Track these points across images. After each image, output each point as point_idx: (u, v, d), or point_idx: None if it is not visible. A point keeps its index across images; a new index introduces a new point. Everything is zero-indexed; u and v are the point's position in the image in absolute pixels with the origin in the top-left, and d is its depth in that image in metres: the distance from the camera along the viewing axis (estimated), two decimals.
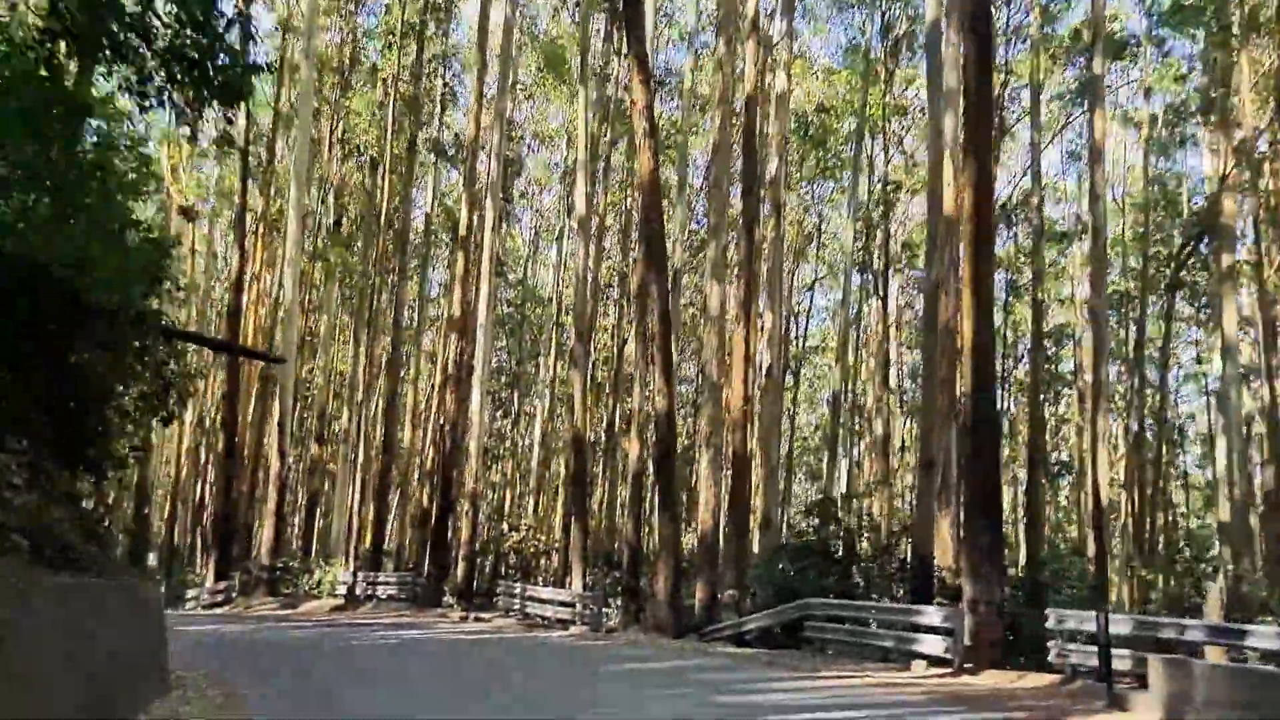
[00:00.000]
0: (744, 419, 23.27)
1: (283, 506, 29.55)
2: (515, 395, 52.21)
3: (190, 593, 32.79)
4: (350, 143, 42.76)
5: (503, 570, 30.60)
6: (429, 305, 49.45)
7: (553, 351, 44.88)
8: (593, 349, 36.86)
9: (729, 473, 25.14)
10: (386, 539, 33.45)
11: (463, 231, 30.06)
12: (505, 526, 30.30)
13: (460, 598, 27.87)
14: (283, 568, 30.60)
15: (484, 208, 30.64)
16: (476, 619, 23.73)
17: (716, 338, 24.42)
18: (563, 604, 22.67)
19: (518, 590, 24.01)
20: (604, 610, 21.02)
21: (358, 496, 39.23)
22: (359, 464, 38.64)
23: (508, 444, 50.87)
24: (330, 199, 44.64)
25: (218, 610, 29.81)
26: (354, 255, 43.30)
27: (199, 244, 37.89)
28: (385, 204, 37.58)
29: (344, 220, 44.48)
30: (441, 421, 31.31)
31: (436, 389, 45.67)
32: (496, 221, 32.38)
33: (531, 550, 27.78)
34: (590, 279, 31.39)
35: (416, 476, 40.12)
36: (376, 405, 40.84)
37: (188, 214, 37.52)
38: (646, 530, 31.35)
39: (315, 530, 41.68)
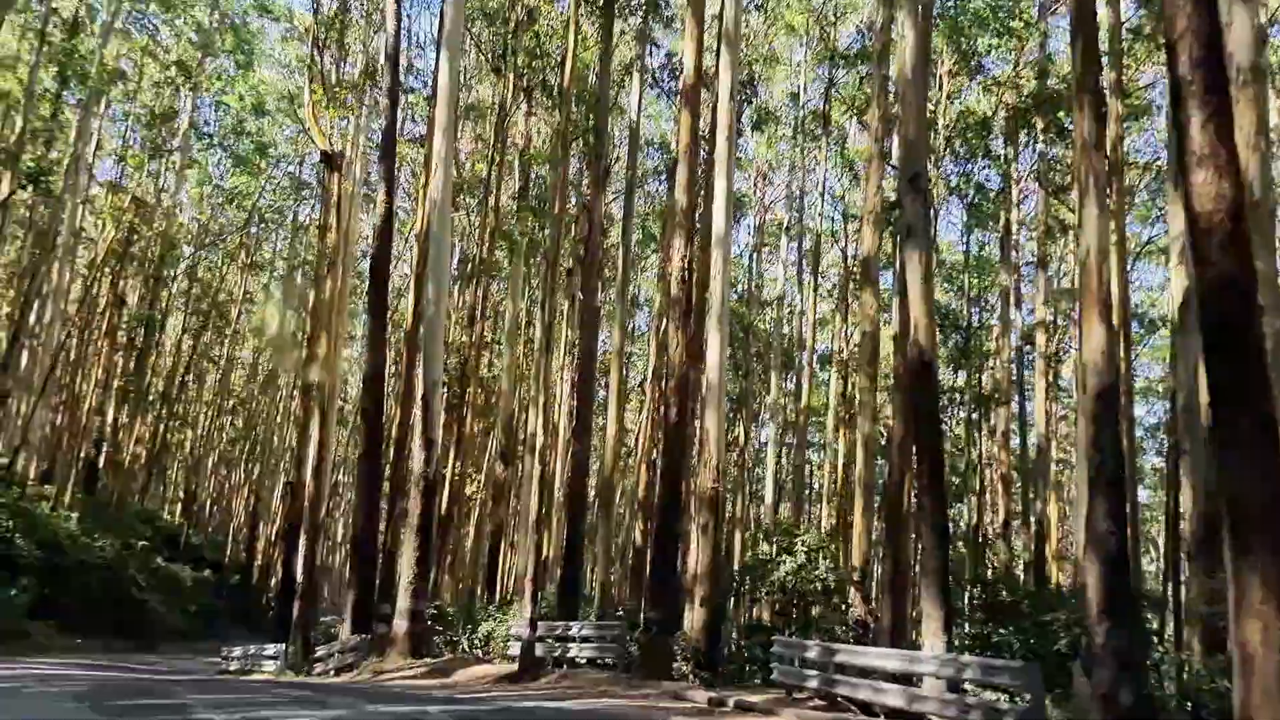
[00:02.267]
0: None
1: (430, 521, 19.83)
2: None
3: (321, 650, 23.64)
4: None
5: (765, 618, 19.90)
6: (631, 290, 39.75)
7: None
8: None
9: None
10: (584, 577, 23.27)
11: (683, 191, 19.86)
12: (767, 548, 19.37)
13: (698, 665, 17.18)
14: (436, 614, 20.97)
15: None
16: (741, 707, 12.90)
17: None
18: (913, 679, 11.58)
19: (814, 653, 12.98)
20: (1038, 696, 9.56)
21: (540, 524, 29.69)
22: (545, 480, 29.16)
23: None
24: (511, 160, 35.89)
25: (343, 678, 20.36)
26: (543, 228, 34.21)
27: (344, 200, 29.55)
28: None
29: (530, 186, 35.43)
30: (661, 412, 21.18)
31: (650, 381, 35.56)
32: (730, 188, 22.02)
33: (817, 586, 17.02)
34: None
35: (623, 492, 30.31)
36: (561, 407, 31.20)
37: (331, 161, 29.37)
38: None
39: (499, 568, 32.16)
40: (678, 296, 17.14)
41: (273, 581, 48.88)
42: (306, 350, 31.67)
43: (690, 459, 20.58)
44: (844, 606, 17.70)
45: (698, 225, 18.59)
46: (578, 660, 17.84)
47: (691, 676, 17.06)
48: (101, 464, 48.35)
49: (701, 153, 21.13)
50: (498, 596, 29.61)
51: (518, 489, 34.54)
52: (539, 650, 17.89)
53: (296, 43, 48.75)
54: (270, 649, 25.91)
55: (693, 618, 17.67)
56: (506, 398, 32.84)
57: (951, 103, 32.72)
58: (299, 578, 27.26)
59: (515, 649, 19.16)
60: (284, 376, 56.04)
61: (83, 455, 48.27)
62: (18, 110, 38.29)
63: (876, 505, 21.52)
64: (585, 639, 17.74)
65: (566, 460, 40.54)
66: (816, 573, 17.59)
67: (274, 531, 56.23)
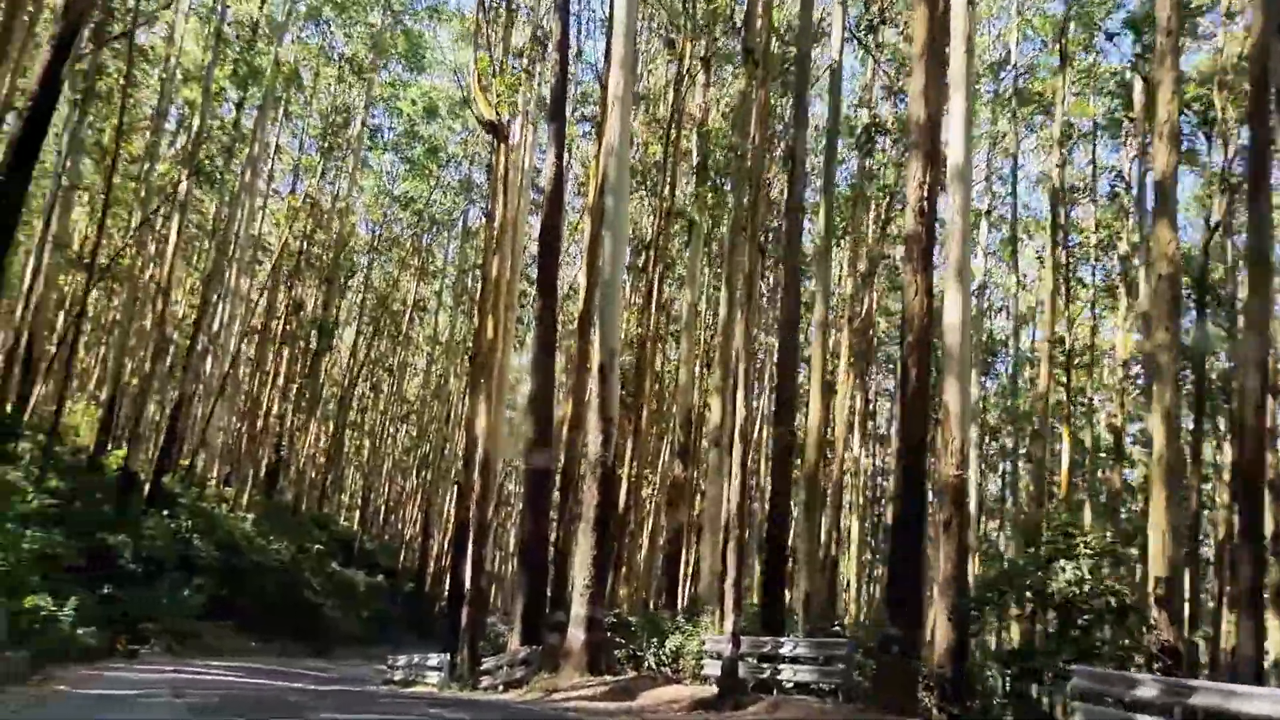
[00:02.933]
0: None
1: (608, 515, 16.89)
2: None
3: (489, 662, 21.06)
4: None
5: (1014, 639, 15.93)
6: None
7: None
8: None
9: None
10: (789, 584, 19.66)
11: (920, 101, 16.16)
12: (1028, 552, 15.21)
13: (943, 696, 13.45)
14: (615, 624, 17.99)
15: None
16: None
17: None
18: None
19: (1149, 690, 9.02)
20: None
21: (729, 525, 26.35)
22: (733, 473, 25.78)
23: None
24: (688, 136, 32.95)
25: (511, 695, 17.63)
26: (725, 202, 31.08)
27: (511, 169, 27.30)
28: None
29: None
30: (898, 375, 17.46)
31: (847, 367, 31.99)
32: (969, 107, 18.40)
33: (1109, 602, 12.95)
34: None
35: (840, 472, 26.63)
36: (752, 392, 27.82)
37: (497, 132, 27.23)
38: None
39: (679, 576, 29.06)
40: (915, 232, 13.59)
41: (445, 589, 47.69)
42: (473, 339, 29.60)
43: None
44: (1143, 629, 13.56)
45: (943, 149, 14.92)
46: (787, 685, 14.43)
47: (936, 711, 13.36)
48: (280, 469, 48.46)
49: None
50: (679, 607, 26.51)
51: (697, 489, 31.38)
52: (741, 669, 14.58)
53: (465, 45, 47.73)
54: (434, 659, 23.67)
55: (934, 635, 13.98)
56: (684, 392, 29.83)
57: None
58: (467, 583, 24.96)
59: (711, 668, 15.92)
60: (453, 381, 55.15)
61: (263, 459, 48.47)
62: (195, 110, 38.41)
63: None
64: (799, 659, 14.31)
65: (758, 451, 37.05)
66: (1106, 584, 13.56)
67: (446, 540, 55.31)
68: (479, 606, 24.76)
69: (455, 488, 33.30)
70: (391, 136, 53.73)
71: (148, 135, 39.66)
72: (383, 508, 60.80)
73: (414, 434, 62.04)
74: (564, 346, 35.34)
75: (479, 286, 32.08)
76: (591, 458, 16.99)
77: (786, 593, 17.40)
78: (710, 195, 30.11)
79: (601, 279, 17.77)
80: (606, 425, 16.89)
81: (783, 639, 15.12)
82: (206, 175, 38.52)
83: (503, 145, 27.41)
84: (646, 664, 17.22)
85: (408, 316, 58.39)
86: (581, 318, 22.65)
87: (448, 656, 22.48)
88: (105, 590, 28.27)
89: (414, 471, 61.82)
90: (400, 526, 61.93)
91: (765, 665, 14.83)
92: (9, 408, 32.60)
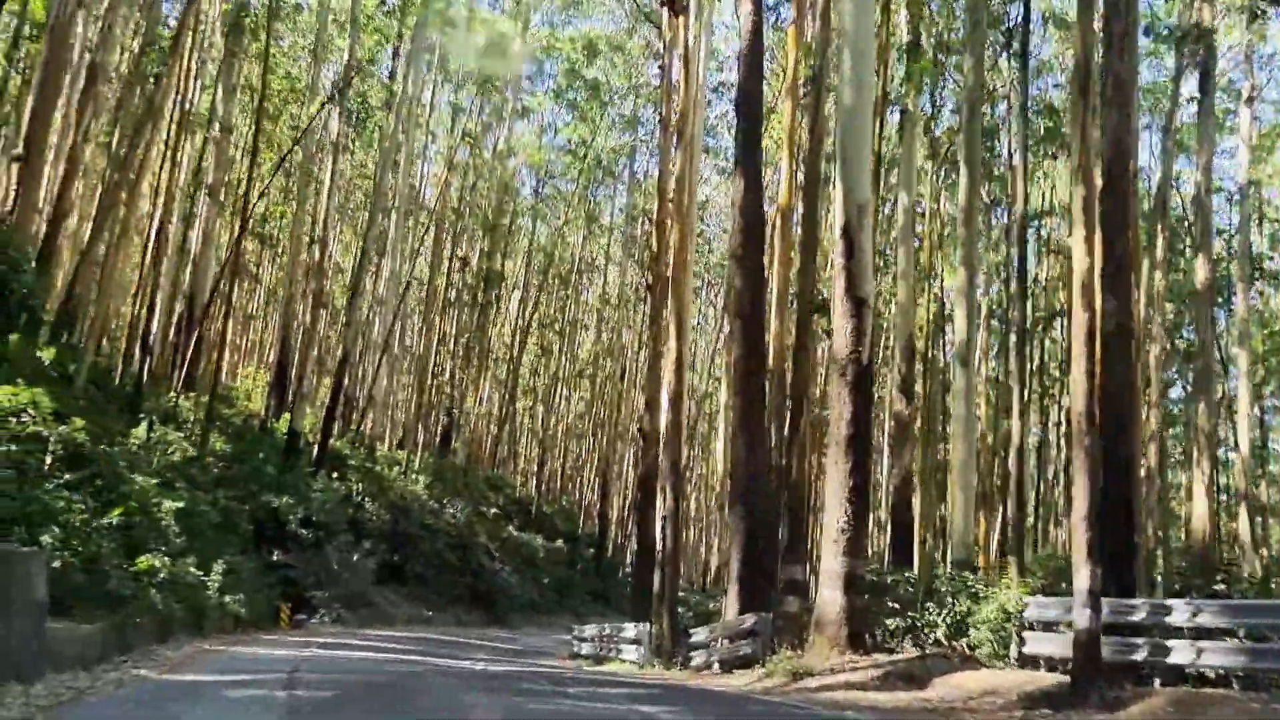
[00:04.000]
0: None
1: (866, 429, 12.10)
2: None
3: (699, 634, 16.68)
4: None
5: None
6: None
7: None
8: None
9: None
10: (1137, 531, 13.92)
11: None
12: None
13: None
14: (879, 581, 13.11)
15: None
16: None
17: None
18: None
19: None
20: None
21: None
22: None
23: None
24: None
25: (742, 681, 13.11)
26: None
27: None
28: None
29: None
30: None
31: None
32: None
33: None
34: None
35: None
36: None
37: (673, 4, 22.73)
38: None
39: (913, 524, 23.86)
40: None
41: (627, 555, 44.07)
42: (655, 242, 25.28)
43: None
44: None
45: None
46: (1185, 670, 9.34)
47: None
48: (452, 430, 45.95)
49: None
50: (915, 562, 21.34)
51: (935, 419, 26.10)
52: (1103, 646, 9.54)
53: None
54: (630, 629, 19.55)
55: None
56: (905, 312, 24.60)
57: None
58: (659, 542, 20.69)
59: (1036, 644, 10.98)
60: (627, 335, 51.30)
61: (433, 420, 46.11)
62: (344, 37, 35.64)
63: None
64: (1202, 632, 9.20)
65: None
66: None
67: (626, 505, 51.77)
68: (675, 567, 20.47)
69: (639, 437, 29.14)
70: (551, 84, 49.84)
71: (296, 75, 37.31)
72: (559, 471, 57.81)
73: (587, 396, 58.78)
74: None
75: (654, 202, 27.81)
76: (838, 354, 12.22)
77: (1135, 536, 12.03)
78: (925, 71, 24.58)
79: (844, 103, 12.88)
80: (858, 308, 12.10)
81: (1167, 602, 9.97)
82: (357, 115, 35.83)
83: (680, 18, 22.83)
84: (934, 639, 12.36)
85: (575, 272, 54.83)
86: (807, 171, 17.81)
87: (646, 627, 18.26)
88: (273, 556, 25.91)
89: (590, 435, 58.55)
90: (577, 492, 58.90)
91: (1135, 641, 9.78)
92: (172, 369, 30.86)
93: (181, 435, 25.90)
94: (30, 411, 12.94)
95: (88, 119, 24.48)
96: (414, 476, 38.98)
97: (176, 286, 31.16)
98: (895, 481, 23.00)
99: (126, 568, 12.68)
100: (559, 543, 44.34)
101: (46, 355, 19.75)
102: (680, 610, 20.32)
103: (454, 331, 47.42)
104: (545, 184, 53.94)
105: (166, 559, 14.31)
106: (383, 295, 40.60)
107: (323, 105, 33.66)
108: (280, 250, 39.88)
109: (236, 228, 30.22)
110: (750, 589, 15.15)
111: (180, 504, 17.56)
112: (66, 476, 12.39)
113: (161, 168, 29.05)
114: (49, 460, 12.51)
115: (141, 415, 23.09)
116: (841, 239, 12.27)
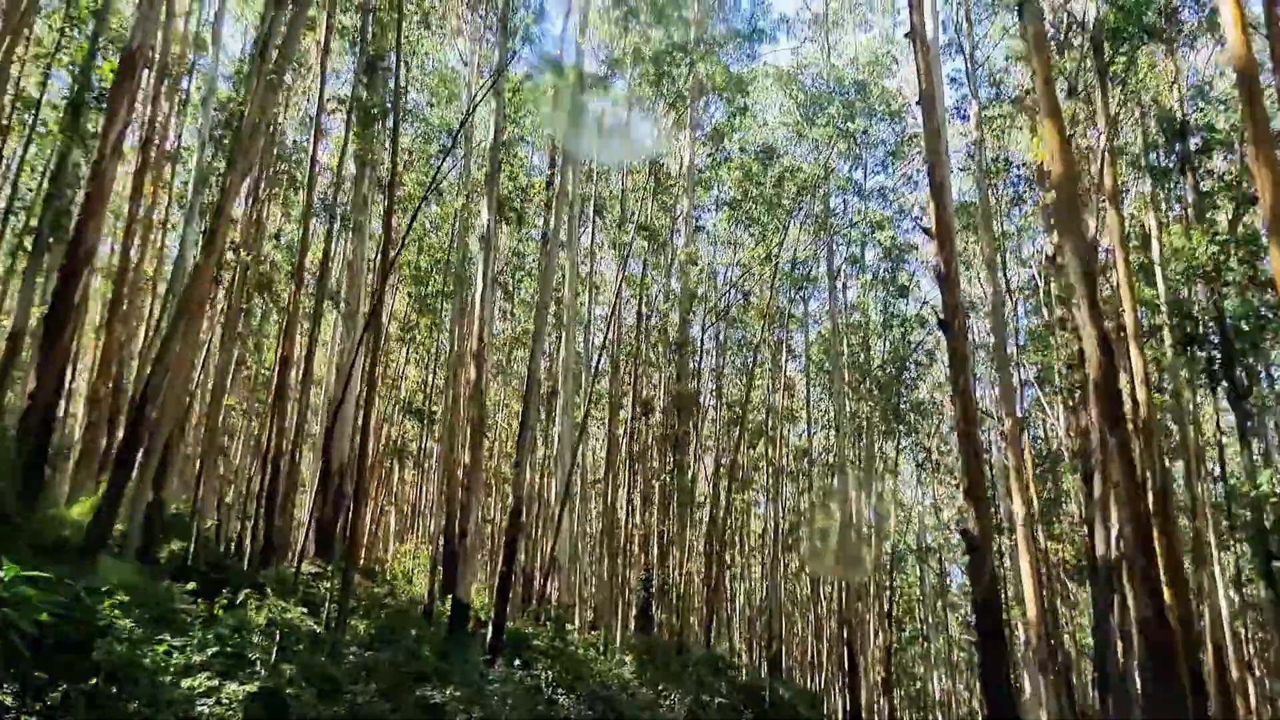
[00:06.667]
0: None
1: None
2: None
3: None
4: None
5: None
6: None
7: None
8: None
9: None
10: None
11: None
12: None
13: None
14: None
15: None
16: None
17: None
18: None
19: None
20: None
21: None
22: None
23: None
24: None
25: None
26: None
27: None
28: None
29: None
30: None
31: None
32: None
33: None
34: None
35: None
36: None
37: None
38: None
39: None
40: None
41: None
42: None
43: None
44: None
45: None
46: None
47: None
48: (651, 600, 37.37)
49: None
50: None
51: None
52: None
53: None
54: None
55: None
56: None
57: None
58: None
59: None
60: (850, 470, 42.03)
61: (629, 588, 37.73)
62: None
63: None
64: None
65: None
66: None
67: (874, 682, 41.32)
68: None
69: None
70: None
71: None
72: (785, 644, 47.68)
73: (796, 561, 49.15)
74: None
75: None
76: None
77: None
78: None
79: None
80: None
81: None
82: (514, 211, 30.00)
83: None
84: None
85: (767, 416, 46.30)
86: None
87: None
88: None
89: (816, 596, 48.49)
90: (813, 666, 48.44)
91: None
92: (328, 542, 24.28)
93: (316, 624, 18.51)
94: None
95: None
96: (616, 658, 30.40)
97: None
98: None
99: None
100: None
101: None
102: None
103: (642, 484, 39.61)
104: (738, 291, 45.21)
105: None
106: (557, 450, 33.50)
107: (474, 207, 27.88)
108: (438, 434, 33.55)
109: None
110: None
111: None
112: None
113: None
114: None
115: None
116: None
